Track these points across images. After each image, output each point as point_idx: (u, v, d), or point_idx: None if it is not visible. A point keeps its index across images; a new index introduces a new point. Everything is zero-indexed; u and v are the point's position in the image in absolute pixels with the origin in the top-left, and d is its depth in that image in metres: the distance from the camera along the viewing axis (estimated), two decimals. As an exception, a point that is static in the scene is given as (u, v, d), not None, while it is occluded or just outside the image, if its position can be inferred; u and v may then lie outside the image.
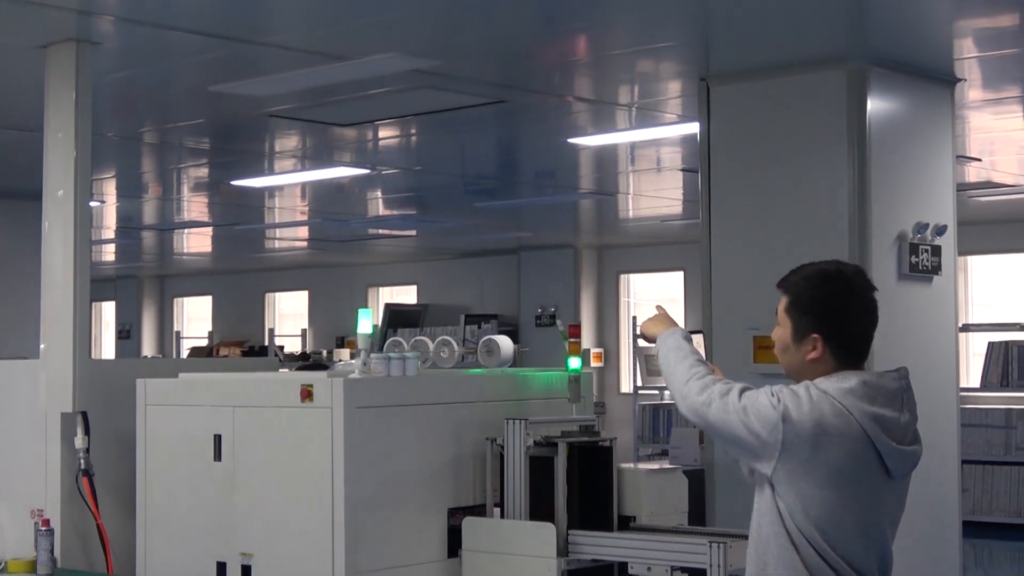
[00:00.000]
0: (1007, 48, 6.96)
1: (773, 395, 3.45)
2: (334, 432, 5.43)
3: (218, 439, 5.85)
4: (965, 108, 8.09)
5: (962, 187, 10.48)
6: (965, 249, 7.99)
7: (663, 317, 3.88)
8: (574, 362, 6.30)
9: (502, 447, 5.86)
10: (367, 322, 5.82)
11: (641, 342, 15.90)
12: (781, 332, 3.59)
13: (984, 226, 13.93)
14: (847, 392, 3.44)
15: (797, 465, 3.41)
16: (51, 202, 6.29)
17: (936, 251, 7.12)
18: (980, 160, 10.33)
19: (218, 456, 5.84)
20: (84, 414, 6.17)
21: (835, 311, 3.52)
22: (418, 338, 7.16)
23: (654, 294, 18.40)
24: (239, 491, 5.77)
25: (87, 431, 6.17)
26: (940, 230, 7.13)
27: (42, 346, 6.28)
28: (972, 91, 7.78)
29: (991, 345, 13.69)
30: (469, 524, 5.77)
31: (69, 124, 6.22)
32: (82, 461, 6.16)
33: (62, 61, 6.26)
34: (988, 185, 11.76)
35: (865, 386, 3.45)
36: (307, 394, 5.51)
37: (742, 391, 3.51)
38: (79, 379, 6.15)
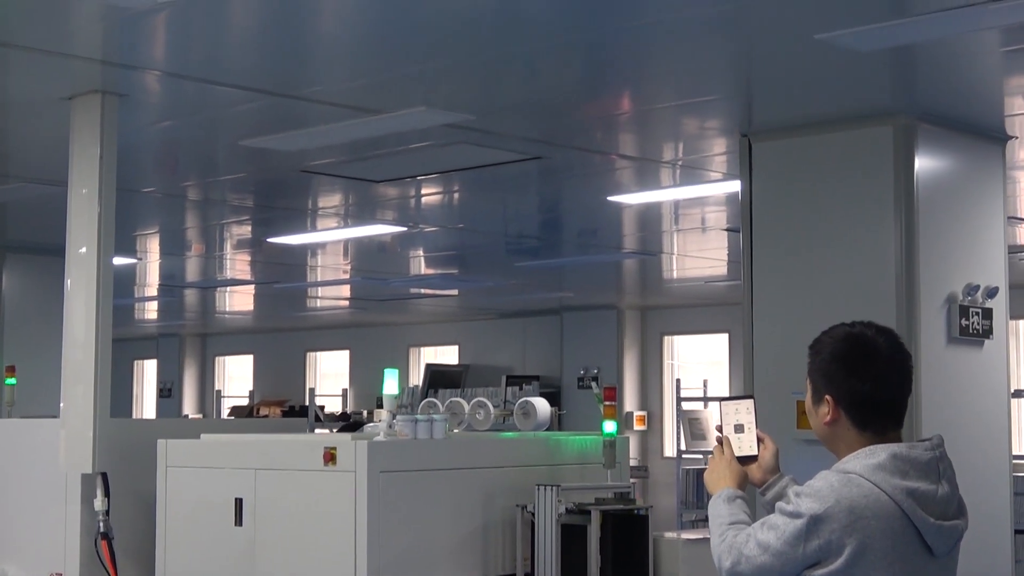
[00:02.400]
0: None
1: (791, 506, 3.22)
2: (357, 497, 5.26)
3: (239, 503, 5.69)
4: (1014, 168, 7.88)
5: (1012, 249, 10.25)
6: (1014, 313, 7.76)
7: (721, 470, 3.60)
8: (609, 426, 6.14)
9: (533, 514, 5.67)
10: (393, 382, 5.68)
11: (685, 404, 15.72)
12: (807, 396, 3.41)
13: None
14: (876, 468, 3.22)
15: (842, 563, 3.17)
16: (74, 259, 6.17)
17: (987, 314, 6.90)
18: (1032, 221, 10.11)
19: (239, 520, 5.69)
20: (104, 475, 6.03)
21: (850, 373, 3.31)
22: (454, 399, 7.02)
23: (698, 356, 18.18)
24: (260, 557, 5.61)
25: (107, 492, 6.02)
26: (991, 292, 6.91)
27: (62, 405, 6.15)
28: (1021, 151, 7.58)
29: (1045, 412, 13.40)
30: (498, 594, 5.58)
31: (93, 179, 6.12)
32: (101, 523, 6.03)
33: (87, 113, 6.16)
34: (1039, 247, 11.52)
35: (895, 459, 3.24)
36: (330, 457, 5.35)
37: (757, 528, 3.29)
38: (99, 439, 6.00)
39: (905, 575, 3.21)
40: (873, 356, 3.31)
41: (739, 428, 3.61)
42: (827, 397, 3.33)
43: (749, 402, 3.64)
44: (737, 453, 3.57)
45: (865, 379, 3.30)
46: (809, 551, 3.18)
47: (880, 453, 3.25)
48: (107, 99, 6.12)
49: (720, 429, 3.64)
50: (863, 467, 3.23)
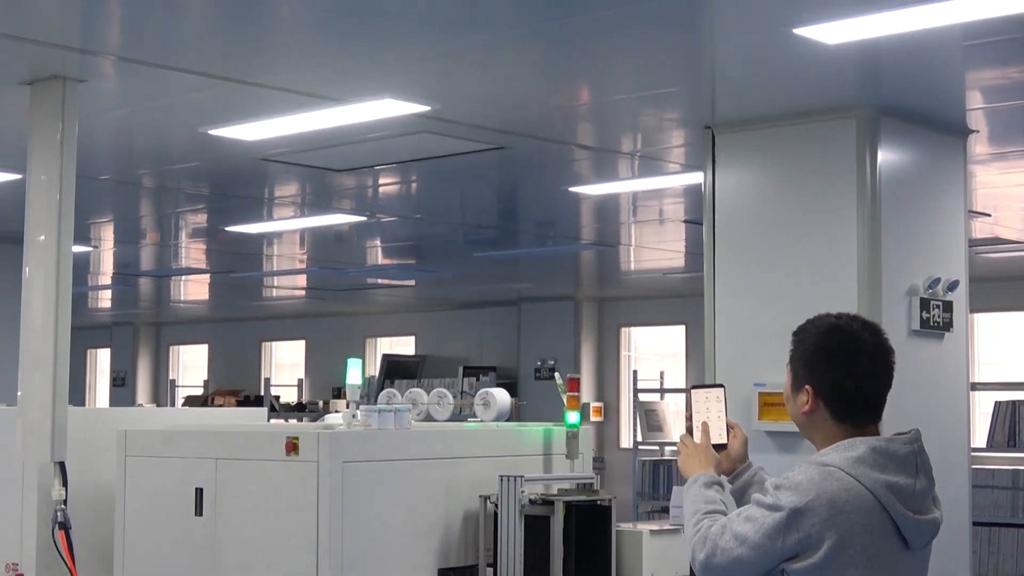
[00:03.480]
0: (1016, 100, 6.79)
1: (770, 499, 3.20)
2: (320, 487, 5.22)
3: (199, 493, 5.64)
4: (972, 162, 7.91)
5: (972, 242, 10.32)
6: (974, 306, 7.80)
7: (697, 455, 3.58)
8: (572, 417, 6.13)
9: (496, 505, 5.65)
10: (356, 372, 5.65)
11: (642, 396, 15.73)
12: (786, 383, 3.40)
13: (989, 283, 13.75)
14: (855, 462, 3.21)
15: (820, 556, 3.16)
16: (32, 247, 6.09)
17: (948, 307, 6.93)
18: (989, 215, 10.16)
19: (199, 511, 5.64)
20: (62, 464, 5.95)
21: (831, 364, 3.31)
22: (413, 390, 6.99)
23: (655, 348, 18.20)
24: (220, 547, 5.56)
25: (65, 482, 5.95)
26: (952, 285, 6.93)
27: (19, 394, 6.07)
28: (979, 145, 7.61)
29: (998, 404, 13.49)
30: (460, 586, 5.55)
31: (53, 166, 6.03)
32: (59, 513, 5.94)
33: (47, 99, 6.08)
34: (995, 241, 11.59)
35: (874, 453, 3.23)
36: (292, 447, 5.31)
37: (734, 519, 3.26)
38: (57, 429, 5.92)
39: (882, 568, 3.20)
40: (857, 350, 3.31)
41: (709, 417, 3.62)
42: (807, 387, 3.32)
43: (719, 390, 3.64)
44: None
45: (847, 373, 3.29)
46: (788, 544, 3.17)
47: (859, 446, 3.24)
48: (68, 85, 6.04)
49: (689, 417, 3.64)
50: (843, 460, 3.22)
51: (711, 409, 3.63)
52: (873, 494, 3.18)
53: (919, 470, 3.28)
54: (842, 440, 3.28)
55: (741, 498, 3.55)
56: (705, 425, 3.59)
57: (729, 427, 3.62)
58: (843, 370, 3.30)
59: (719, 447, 3.58)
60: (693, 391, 3.67)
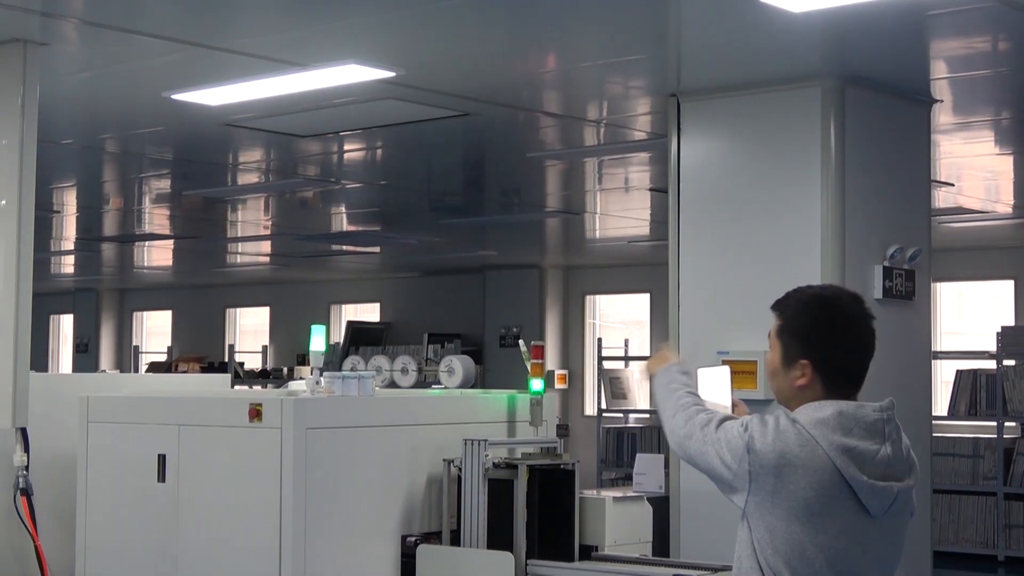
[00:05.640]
0: (980, 69, 6.82)
1: (743, 425, 3.31)
2: (283, 454, 5.22)
3: (162, 459, 5.62)
4: (935, 132, 7.94)
5: (934, 212, 10.38)
6: (936, 275, 7.84)
7: (664, 355, 3.68)
8: (536, 384, 6.14)
9: (460, 469, 5.66)
10: (320, 339, 5.64)
11: (607, 363, 15.77)
12: (772, 356, 3.42)
13: (951, 253, 13.82)
14: (819, 422, 3.27)
15: (764, 497, 3.24)
16: (-7, 211, 6.03)
17: (910, 276, 6.96)
18: (953, 185, 10.21)
19: (162, 477, 5.62)
20: (23, 430, 5.93)
21: (826, 337, 3.36)
22: (377, 357, 6.98)
23: (620, 316, 18.23)
24: (183, 514, 5.55)
25: (26, 448, 5.93)
26: (915, 255, 6.96)
27: (-20, 358, 6.03)
28: (943, 115, 7.64)
29: (959, 373, 13.60)
30: (423, 552, 5.56)
31: (14, 130, 5.98)
32: (20, 479, 5.93)
33: (8, 63, 6.01)
34: (958, 211, 11.65)
35: (841, 416, 3.28)
36: (256, 414, 5.30)
37: (721, 421, 3.36)
38: (19, 394, 5.88)
39: (836, 530, 3.26)
40: (850, 323, 3.38)
41: (715, 395, 3.68)
42: (803, 361, 3.36)
43: (725, 370, 3.70)
44: None
45: (843, 346, 3.36)
46: (740, 471, 3.28)
47: (827, 408, 3.30)
48: (29, 48, 5.98)
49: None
50: (807, 418, 3.29)
51: (717, 388, 3.69)
52: (828, 455, 3.24)
53: (886, 437, 3.32)
54: (814, 402, 3.35)
55: None
56: (715, 406, 3.64)
57: (734, 405, 3.68)
58: (840, 344, 3.36)
59: None
60: (700, 371, 3.73)
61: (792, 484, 3.22)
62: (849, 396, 3.36)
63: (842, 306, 3.38)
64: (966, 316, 15.25)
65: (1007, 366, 13.32)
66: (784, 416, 3.31)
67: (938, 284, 14.85)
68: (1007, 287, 14.65)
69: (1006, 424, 13.27)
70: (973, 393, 13.13)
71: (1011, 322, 14.16)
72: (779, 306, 3.45)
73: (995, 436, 12.93)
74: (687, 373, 3.60)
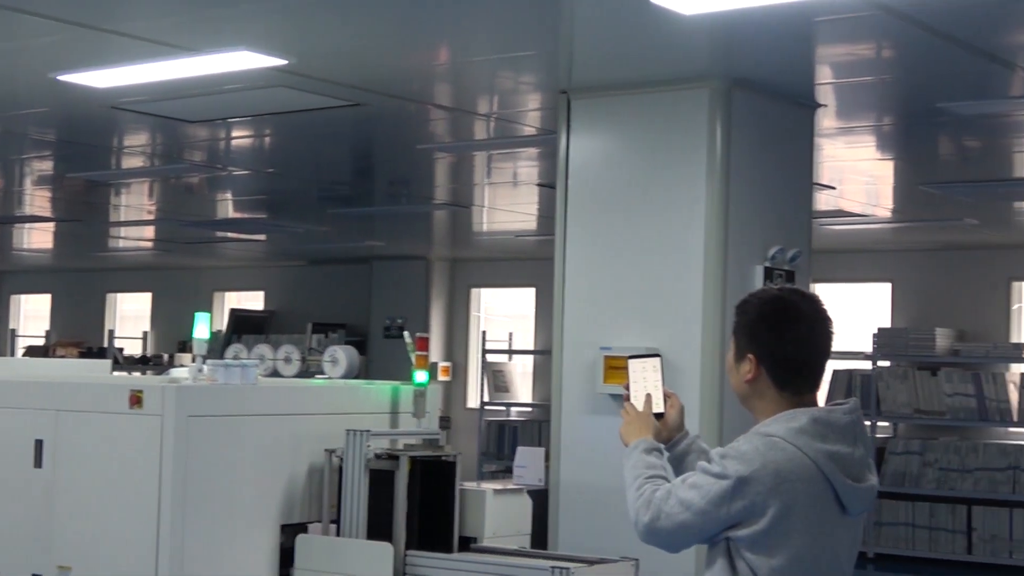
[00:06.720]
0: (863, 76, 6.96)
1: (716, 467, 3.27)
2: (164, 441, 5.18)
3: (39, 444, 5.55)
4: (819, 135, 8.09)
5: (814, 214, 10.56)
6: (813, 277, 7.98)
7: (637, 422, 3.61)
8: (420, 376, 6.15)
9: (341, 459, 5.65)
10: (204, 326, 5.60)
11: (490, 357, 15.83)
12: (728, 353, 3.49)
13: (830, 255, 14.06)
14: (798, 432, 3.29)
15: (765, 523, 3.23)
16: None
17: (791, 277, 7.08)
18: (834, 188, 10.39)
19: (39, 462, 5.54)
20: None
21: (771, 331, 3.39)
22: (260, 345, 6.95)
23: (504, 309, 18.29)
24: (59, 500, 5.48)
25: (-101, 431, 5.81)
26: (795, 256, 7.08)
27: None
28: (827, 119, 7.78)
29: (835, 373, 13.86)
30: (302, 541, 5.56)
31: None
32: None
33: None
34: (838, 213, 11.86)
35: (816, 424, 3.31)
36: (136, 400, 5.25)
37: (679, 485, 3.33)
38: None
39: (823, 534, 3.29)
40: (797, 319, 3.39)
41: (646, 386, 3.65)
42: (749, 355, 3.40)
43: (656, 360, 3.68)
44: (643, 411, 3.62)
45: (787, 340, 3.38)
46: (733, 511, 3.24)
47: (801, 417, 3.31)
48: (-91, 23, 5.87)
49: (627, 387, 3.68)
50: (785, 431, 3.29)
51: (648, 378, 3.66)
52: (815, 463, 3.26)
53: (857, 439, 3.38)
54: (783, 410, 3.36)
55: (678, 466, 3.60)
56: (648, 396, 3.64)
57: (666, 396, 3.66)
58: (784, 337, 3.38)
59: (656, 416, 3.61)
60: (630, 361, 3.69)
61: (790, 500, 3.23)
62: (801, 393, 3.39)
63: (791, 302, 3.42)
64: (843, 317, 15.51)
65: (881, 367, 13.62)
66: (758, 436, 3.30)
67: (817, 285, 15.12)
68: (884, 289, 14.94)
69: (879, 424, 13.56)
70: (848, 393, 13.38)
71: (887, 324, 14.45)
72: (737, 306, 3.50)
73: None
74: (656, 450, 3.52)
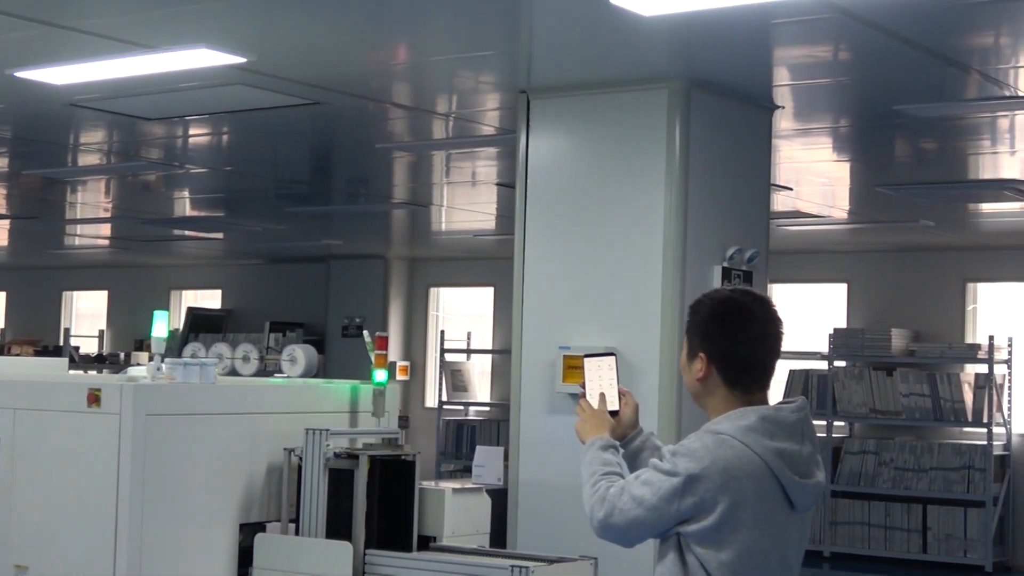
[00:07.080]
0: (820, 78, 7.01)
1: (667, 465, 3.32)
2: (122, 440, 5.16)
3: (-4, 443, 5.52)
4: (776, 137, 8.14)
5: (772, 215, 10.61)
6: (770, 277, 8.04)
7: (594, 420, 3.65)
8: (380, 375, 6.15)
9: (300, 458, 5.65)
10: (163, 325, 5.58)
11: (448, 356, 15.83)
12: (682, 353, 3.53)
13: (787, 255, 14.14)
14: (747, 430, 3.35)
15: (714, 519, 3.28)
16: None
17: (748, 277, 7.12)
18: (791, 189, 10.45)
19: (-5, 461, 5.52)
20: None
21: (721, 330, 3.45)
22: (218, 344, 6.93)
23: (463, 309, 18.30)
24: (16, 499, 5.45)
25: None
26: (753, 256, 7.12)
27: None
28: (784, 120, 7.82)
29: (792, 373, 13.95)
30: (261, 541, 5.55)
31: None
32: None
33: None
34: (795, 214, 11.92)
35: (764, 422, 3.37)
36: (94, 399, 5.23)
37: (632, 482, 3.38)
38: None
39: (771, 529, 3.35)
40: (748, 320, 3.45)
41: (601, 384, 3.69)
42: (701, 354, 3.46)
43: (611, 359, 3.72)
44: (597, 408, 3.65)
45: (738, 341, 3.43)
46: (683, 508, 3.30)
47: (750, 415, 3.37)
48: None
49: (584, 385, 3.71)
50: (735, 429, 3.35)
51: (603, 377, 3.71)
52: (764, 460, 3.32)
53: (804, 436, 3.43)
54: (734, 408, 3.41)
55: (633, 462, 3.66)
56: (603, 394, 3.67)
57: (621, 394, 3.70)
58: (734, 337, 3.44)
59: (611, 414, 3.66)
60: (586, 359, 3.74)
61: (738, 497, 3.28)
62: (751, 391, 3.44)
63: (743, 303, 3.47)
64: (799, 318, 15.59)
65: (837, 367, 13.71)
66: (708, 434, 3.35)
67: (774, 285, 15.21)
68: (840, 290, 15.03)
69: (835, 423, 13.65)
70: (804, 392, 13.46)
71: (843, 324, 14.54)
72: (692, 305, 3.55)
73: (825, 435, 13.28)
74: (612, 447, 3.57)
